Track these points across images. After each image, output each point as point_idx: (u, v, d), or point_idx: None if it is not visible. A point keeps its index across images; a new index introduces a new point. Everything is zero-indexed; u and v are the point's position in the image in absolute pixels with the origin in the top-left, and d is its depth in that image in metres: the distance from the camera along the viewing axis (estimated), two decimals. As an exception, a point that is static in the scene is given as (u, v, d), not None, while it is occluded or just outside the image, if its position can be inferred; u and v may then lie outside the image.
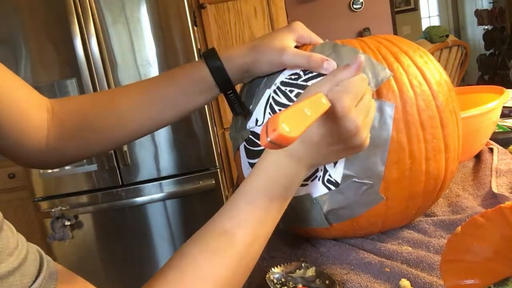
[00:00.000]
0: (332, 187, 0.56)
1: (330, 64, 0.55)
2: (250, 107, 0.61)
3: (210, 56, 0.60)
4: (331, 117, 0.45)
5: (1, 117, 0.56)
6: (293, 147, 0.46)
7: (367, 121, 0.48)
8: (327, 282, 0.54)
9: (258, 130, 0.60)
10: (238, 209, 0.46)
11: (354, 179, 0.55)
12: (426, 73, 0.58)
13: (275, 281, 0.55)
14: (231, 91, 0.61)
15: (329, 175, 0.56)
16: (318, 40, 0.61)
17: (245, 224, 0.45)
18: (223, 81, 0.60)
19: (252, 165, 0.61)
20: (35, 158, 0.62)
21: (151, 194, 1.91)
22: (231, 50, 0.60)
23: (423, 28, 4.34)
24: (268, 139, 0.34)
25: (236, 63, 0.59)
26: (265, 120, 0.58)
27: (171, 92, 0.61)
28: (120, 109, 0.62)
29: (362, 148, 0.49)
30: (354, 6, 3.54)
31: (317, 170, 0.57)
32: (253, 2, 2.32)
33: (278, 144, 0.34)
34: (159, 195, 1.90)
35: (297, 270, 0.57)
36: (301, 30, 0.61)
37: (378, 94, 0.55)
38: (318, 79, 0.54)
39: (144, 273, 1.96)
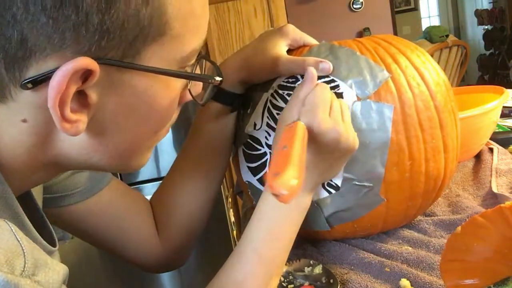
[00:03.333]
0: (333, 191, 0.56)
1: (325, 65, 0.54)
2: (248, 110, 0.61)
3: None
4: (312, 137, 0.46)
5: (114, 236, 0.61)
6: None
7: (346, 122, 0.49)
8: (331, 281, 0.54)
9: (256, 134, 0.59)
10: (247, 260, 0.48)
11: (354, 182, 0.55)
12: (424, 73, 0.58)
13: (282, 279, 0.55)
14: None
15: (330, 179, 0.56)
16: (311, 41, 0.60)
17: (255, 275, 0.48)
18: (225, 99, 0.60)
19: (250, 168, 0.61)
20: (159, 262, 0.65)
21: (151, 194, 1.91)
22: (225, 64, 0.60)
23: (423, 28, 4.35)
24: (282, 200, 0.33)
25: (230, 79, 0.58)
26: (263, 125, 0.58)
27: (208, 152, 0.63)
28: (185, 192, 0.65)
29: (354, 148, 0.49)
30: (354, 6, 3.54)
31: None
32: (253, 2, 2.32)
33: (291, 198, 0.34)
34: (159, 195, 1.90)
35: (306, 268, 0.57)
36: (293, 33, 0.59)
37: (377, 96, 0.54)
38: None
39: (144, 274, 1.96)
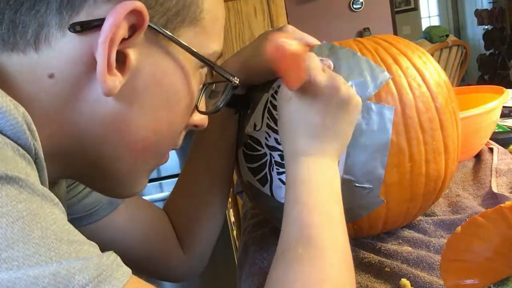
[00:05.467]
0: None
1: (325, 63, 0.54)
2: (248, 111, 0.61)
3: None
4: (311, 92, 0.46)
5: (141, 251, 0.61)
6: (304, 146, 0.47)
7: (340, 77, 0.49)
8: None
9: (256, 134, 0.59)
10: (292, 213, 0.45)
11: (354, 184, 0.55)
12: (425, 74, 0.57)
13: None
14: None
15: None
16: (312, 41, 0.60)
17: (303, 219, 0.44)
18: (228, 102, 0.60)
19: (250, 169, 0.61)
20: (184, 272, 0.65)
21: (151, 194, 1.91)
22: (224, 66, 0.59)
23: (423, 28, 4.34)
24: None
25: None
26: (264, 126, 0.58)
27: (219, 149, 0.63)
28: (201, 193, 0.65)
29: (355, 99, 0.49)
30: (354, 6, 3.54)
31: None
32: (253, 2, 2.31)
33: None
34: (159, 195, 1.90)
35: None
36: (293, 33, 0.59)
37: (377, 98, 0.54)
38: None
39: (144, 275, 1.95)
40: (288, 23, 0.60)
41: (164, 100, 0.38)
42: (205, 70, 0.43)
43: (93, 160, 0.38)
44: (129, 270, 0.30)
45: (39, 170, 0.32)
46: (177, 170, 1.91)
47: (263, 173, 0.59)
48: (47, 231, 0.26)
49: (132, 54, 0.34)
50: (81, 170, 0.39)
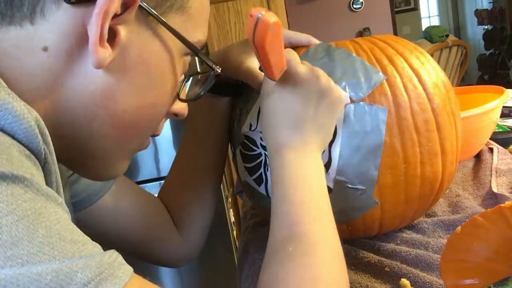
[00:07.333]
0: None
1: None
2: (245, 111, 0.60)
3: None
4: (292, 81, 0.48)
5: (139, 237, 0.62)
6: (286, 137, 0.48)
7: (320, 70, 0.50)
8: None
9: (252, 134, 0.59)
10: (280, 212, 0.45)
11: (347, 185, 0.55)
12: (422, 75, 0.57)
13: None
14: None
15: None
16: (300, 40, 0.60)
17: (290, 215, 0.44)
18: (213, 89, 0.61)
19: (247, 168, 0.61)
20: (181, 257, 0.67)
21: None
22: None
23: (423, 28, 4.34)
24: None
25: None
26: (259, 126, 0.58)
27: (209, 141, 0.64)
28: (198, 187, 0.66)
29: (337, 93, 0.50)
30: (354, 6, 3.54)
31: None
32: (253, 2, 2.32)
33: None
34: (159, 195, 1.91)
35: None
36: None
37: (371, 99, 0.54)
38: None
39: (144, 273, 1.96)
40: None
41: (150, 80, 0.39)
42: (188, 58, 0.44)
43: (82, 139, 0.39)
44: (130, 269, 0.30)
45: (46, 175, 0.32)
46: (177, 170, 1.91)
47: (258, 173, 0.59)
48: (51, 230, 0.27)
49: (122, 31, 0.35)
50: (69, 151, 0.40)
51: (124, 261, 0.30)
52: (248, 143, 0.60)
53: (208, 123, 0.63)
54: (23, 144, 0.29)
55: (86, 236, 0.30)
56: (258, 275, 0.59)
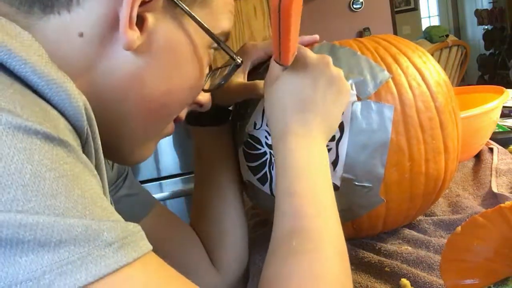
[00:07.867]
0: None
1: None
2: (248, 110, 0.61)
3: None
4: (299, 63, 0.48)
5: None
6: (293, 122, 0.47)
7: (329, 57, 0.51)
8: None
9: (256, 133, 0.59)
10: (283, 203, 0.44)
11: (354, 182, 0.55)
12: (425, 73, 0.57)
13: None
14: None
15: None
16: (307, 39, 0.60)
17: (294, 207, 0.43)
18: (212, 121, 0.62)
19: (250, 168, 0.61)
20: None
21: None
22: None
23: (423, 28, 4.34)
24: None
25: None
26: (264, 124, 0.58)
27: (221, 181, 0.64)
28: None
29: (345, 83, 0.50)
30: (354, 6, 3.54)
31: None
32: (253, 2, 2.32)
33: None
34: (159, 195, 1.90)
35: None
36: (254, 51, 0.61)
37: (377, 96, 0.54)
38: None
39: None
40: (246, 42, 0.62)
41: (176, 66, 0.41)
42: (212, 51, 0.45)
43: (111, 120, 0.40)
44: (150, 246, 0.31)
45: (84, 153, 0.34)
46: (176, 171, 1.91)
47: (263, 172, 0.59)
48: (85, 193, 0.29)
49: (150, 18, 0.38)
50: (99, 131, 0.40)
51: (145, 237, 0.32)
52: (252, 142, 0.60)
53: (215, 149, 0.64)
54: (69, 122, 0.32)
55: (113, 208, 0.32)
56: (258, 275, 0.59)
